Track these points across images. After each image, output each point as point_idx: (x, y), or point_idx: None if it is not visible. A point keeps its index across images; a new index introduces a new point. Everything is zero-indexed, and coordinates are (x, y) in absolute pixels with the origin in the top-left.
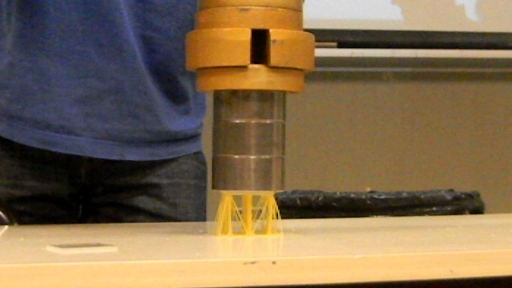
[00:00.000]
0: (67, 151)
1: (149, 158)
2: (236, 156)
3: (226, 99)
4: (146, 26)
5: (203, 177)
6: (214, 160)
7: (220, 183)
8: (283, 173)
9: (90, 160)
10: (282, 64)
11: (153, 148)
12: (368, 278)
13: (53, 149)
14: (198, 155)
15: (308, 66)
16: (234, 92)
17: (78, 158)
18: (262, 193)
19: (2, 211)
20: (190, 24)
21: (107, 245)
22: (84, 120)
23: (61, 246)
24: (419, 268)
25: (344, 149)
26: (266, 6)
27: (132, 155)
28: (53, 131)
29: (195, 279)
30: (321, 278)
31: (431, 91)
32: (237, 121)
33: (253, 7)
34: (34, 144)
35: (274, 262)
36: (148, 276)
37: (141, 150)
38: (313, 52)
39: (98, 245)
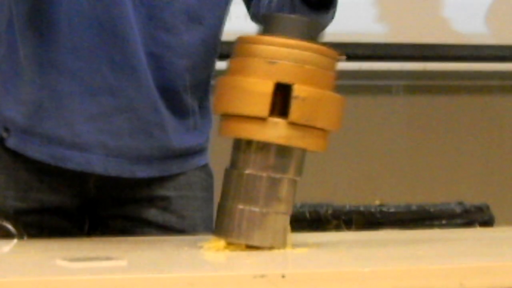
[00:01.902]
0: (79, 168)
1: (159, 174)
2: (240, 206)
3: (243, 148)
4: (155, 43)
5: (210, 189)
6: (220, 207)
7: (222, 232)
8: (285, 229)
9: (99, 174)
10: (301, 121)
11: (163, 164)
12: None
13: (64, 165)
14: (205, 168)
15: (331, 126)
16: (250, 143)
17: (87, 171)
18: (259, 245)
19: (11, 224)
20: (200, 43)
21: (116, 258)
22: (96, 137)
23: (70, 260)
24: (429, 281)
25: (353, 162)
26: (294, 61)
27: (143, 172)
28: (65, 147)
29: None
30: None
31: (440, 103)
32: (248, 172)
33: (280, 61)
34: (46, 160)
35: (283, 276)
36: None
37: (152, 167)
38: (338, 113)
39: (108, 258)
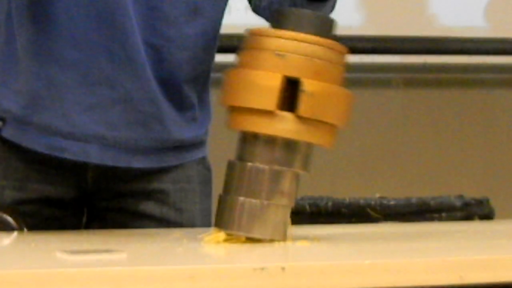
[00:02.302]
0: (75, 158)
1: (156, 165)
2: (242, 198)
3: (249, 141)
4: (155, 34)
5: (209, 182)
6: (221, 198)
7: (223, 223)
8: (286, 222)
9: (97, 165)
10: (309, 115)
11: (160, 155)
12: (378, 284)
13: (60, 155)
14: (203, 161)
15: (339, 122)
16: (257, 136)
17: (84, 163)
18: (259, 237)
19: (11, 217)
20: (200, 34)
21: (116, 251)
22: (92, 128)
23: (70, 252)
24: (428, 274)
25: (353, 155)
26: (303, 55)
27: (140, 162)
28: (61, 137)
29: (205, 285)
30: (330, 284)
31: (440, 97)
32: (252, 164)
33: (289, 54)
34: (42, 150)
35: (283, 268)
36: (158, 282)
37: (149, 158)
38: (347, 108)
39: (108, 251)
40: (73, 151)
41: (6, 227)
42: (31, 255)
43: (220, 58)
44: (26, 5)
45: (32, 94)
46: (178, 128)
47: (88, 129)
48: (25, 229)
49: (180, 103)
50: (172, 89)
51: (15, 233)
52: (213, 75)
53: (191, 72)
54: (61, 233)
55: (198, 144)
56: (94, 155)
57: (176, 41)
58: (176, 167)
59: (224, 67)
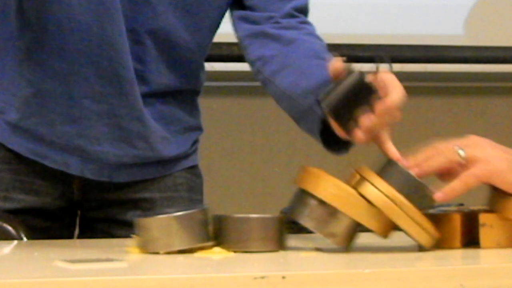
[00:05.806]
0: (56, 167)
1: (138, 178)
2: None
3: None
4: (134, 57)
5: (198, 190)
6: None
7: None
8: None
9: (82, 176)
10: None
11: (143, 169)
12: None
13: (42, 162)
14: (192, 169)
15: None
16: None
17: (69, 173)
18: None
19: (10, 226)
20: (176, 65)
21: (116, 260)
22: (74, 140)
23: (70, 261)
24: (428, 283)
25: (354, 163)
26: None
27: (121, 176)
28: (44, 145)
29: None
30: None
31: (440, 105)
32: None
33: None
34: (26, 154)
35: (284, 277)
36: None
37: (131, 172)
38: None
39: (108, 260)
40: (54, 160)
41: (5, 236)
42: (31, 264)
43: (220, 66)
44: (22, 11)
45: (22, 99)
46: (164, 145)
47: (70, 140)
48: (24, 238)
49: (165, 121)
50: (156, 108)
51: (15, 242)
52: (213, 83)
53: (173, 93)
54: (60, 242)
55: (185, 156)
56: (74, 167)
57: (151, 67)
58: (163, 176)
59: (224, 75)
